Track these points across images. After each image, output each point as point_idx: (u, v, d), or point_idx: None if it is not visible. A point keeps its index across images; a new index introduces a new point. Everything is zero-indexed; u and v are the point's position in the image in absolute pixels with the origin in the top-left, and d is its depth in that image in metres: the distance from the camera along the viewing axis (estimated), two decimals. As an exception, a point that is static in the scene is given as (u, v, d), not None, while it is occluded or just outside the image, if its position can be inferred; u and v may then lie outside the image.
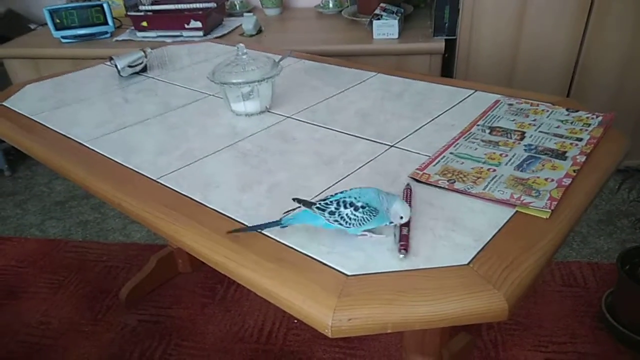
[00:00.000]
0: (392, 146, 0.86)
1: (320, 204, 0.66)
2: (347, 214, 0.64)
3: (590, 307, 1.38)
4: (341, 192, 0.67)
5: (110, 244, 1.80)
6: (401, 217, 0.64)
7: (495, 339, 1.31)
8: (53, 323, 1.46)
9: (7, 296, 1.58)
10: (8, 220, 1.99)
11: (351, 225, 0.64)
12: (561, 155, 0.78)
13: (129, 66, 1.20)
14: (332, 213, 0.65)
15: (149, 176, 0.83)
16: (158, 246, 1.73)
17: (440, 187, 0.74)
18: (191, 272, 1.61)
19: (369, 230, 0.66)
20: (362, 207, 0.64)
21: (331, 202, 0.65)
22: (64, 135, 0.99)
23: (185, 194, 0.78)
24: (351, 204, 0.64)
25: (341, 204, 0.65)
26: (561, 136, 0.84)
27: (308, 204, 0.67)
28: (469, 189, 0.72)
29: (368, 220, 0.64)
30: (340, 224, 0.65)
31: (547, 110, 0.92)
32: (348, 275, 0.60)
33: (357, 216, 0.64)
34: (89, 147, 0.93)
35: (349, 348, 1.32)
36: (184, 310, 1.48)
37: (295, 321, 1.41)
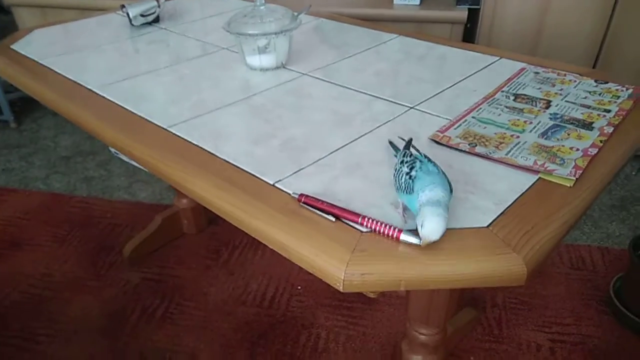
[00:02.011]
0: (411, 108, 0.83)
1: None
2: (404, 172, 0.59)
3: (598, 291, 1.36)
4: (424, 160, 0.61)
5: (115, 202, 1.79)
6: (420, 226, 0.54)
7: (499, 317, 1.30)
8: (55, 276, 1.46)
9: (10, 247, 1.59)
10: (13, 172, 1.98)
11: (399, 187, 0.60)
12: (588, 126, 0.75)
13: (141, 15, 1.16)
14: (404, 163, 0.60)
15: (159, 124, 0.80)
16: (163, 206, 1.72)
17: (460, 151, 0.71)
18: (196, 234, 1.61)
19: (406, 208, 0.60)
20: (414, 176, 0.58)
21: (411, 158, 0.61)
22: (73, 81, 0.96)
23: (196, 143, 0.75)
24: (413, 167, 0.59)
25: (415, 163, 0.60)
26: (588, 107, 0.80)
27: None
28: (490, 153, 0.69)
29: (405, 191, 0.59)
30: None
31: (575, 81, 0.89)
32: (363, 232, 0.58)
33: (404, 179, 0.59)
34: (98, 94, 0.91)
35: (351, 317, 1.31)
36: (187, 270, 1.47)
37: (299, 287, 1.40)
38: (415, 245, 0.56)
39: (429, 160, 0.62)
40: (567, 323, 1.28)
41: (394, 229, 0.57)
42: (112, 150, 2.06)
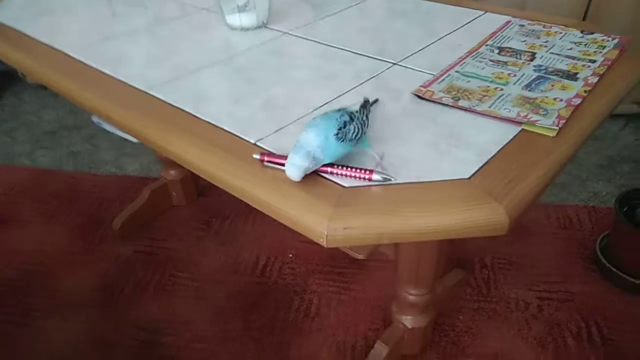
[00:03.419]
0: (395, 64, 0.81)
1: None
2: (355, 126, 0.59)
3: (585, 249, 1.38)
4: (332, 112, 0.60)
5: (102, 176, 1.77)
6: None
7: (487, 277, 1.32)
8: (47, 251, 1.46)
9: (-1, 224, 1.58)
10: (-4, 149, 1.96)
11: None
12: (572, 76, 0.74)
13: (118, -22, 1.13)
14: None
15: (138, 87, 0.79)
16: (151, 179, 1.70)
17: (444, 105, 0.70)
18: (185, 205, 1.60)
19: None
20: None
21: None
22: (49, 45, 0.93)
23: (177, 105, 0.74)
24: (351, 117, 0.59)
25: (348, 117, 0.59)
26: (573, 58, 0.79)
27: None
28: (474, 106, 0.69)
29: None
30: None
31: (560, 32, 0.87)
32: (345, 187, 0.58)
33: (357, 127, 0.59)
34: (74, 57, 0.88)
35: (342, 282, 1.33)
36: (178, 242, 1.47)
37: (291, 255, 1.41)
38: (386, 181, 0.57)
39: (343, 115, 0.59)
40: (555, 281, 1.30)
41: (365, 170, 0.58)
42: (95, 119, 2.02)
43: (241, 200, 0.62)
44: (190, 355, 1.17)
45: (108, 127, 1.97)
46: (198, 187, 1.62)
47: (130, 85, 0.79)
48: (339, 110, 0.61)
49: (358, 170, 0.58)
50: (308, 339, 1.19)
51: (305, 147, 0.56)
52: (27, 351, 1.20)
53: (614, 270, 1.26)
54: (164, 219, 1.56)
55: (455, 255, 1.37)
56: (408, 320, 1.08)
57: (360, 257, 0.95)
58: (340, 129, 0.57)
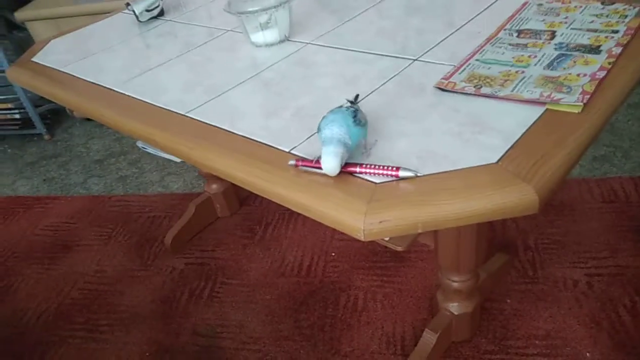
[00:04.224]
0: (415, 60, 0.84)
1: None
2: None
3: (633, 221, 1.35)
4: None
5: (150, 196, 1.88)
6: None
7: (532, 259, 1.31)
8: (107, 271, 1.57)
9: (63, 250, 1.70)
10: (54, 181, 2.10)
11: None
12: (595, 50, 0.75)
13: (147, 10, 1.21)
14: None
15: (177, 111, 0.85)
16: (196, 194, 1.79)
17: (466, 94, 0.72)
18: (230, 216, 1.67)
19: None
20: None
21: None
22: (93, 83, 1.02)
23: (214, 124, 0.79)
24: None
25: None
26: (595, 30, 0.79)
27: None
28: (496, 92, 0.70)
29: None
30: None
31: (580, 7, 0.87)
32: (377, 183, 0.61)
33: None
34: (117, 91, 0.96)
35: (386, 275, 1.35)
36: (226, 251, 1.55)
37: (333, 254, 1.45)
38: (412, 177, 0.61)
39: (349, 107, 0.65)
40: (603, 256, 1.28)
41: (392, 167, 0.61)
42: (140, 144, 2.14)
43: (281, 206, 0.66)
44: (246, 356, 1.23)
45: (151, 150, 2.08)
46: (240, 197, 1.69)
47: (169, 110, 0.86)
48: (339, 107, 0.66)
49: (384, 168, 0.61)
50: (358, 333, 1.23)
51: (333, 138, 0.61)
52: (100, 364, 1.30)
53: (665, 240, 1.22)
54: (211, 230, 1.64)
55: (497, 240, 1.37)
56: (454, 307, 1.09)
57: (399, 249, 0.98)
58: (355, 116, 0.64)
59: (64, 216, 1.87)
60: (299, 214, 0.65)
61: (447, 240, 1.00)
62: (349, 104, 0.67)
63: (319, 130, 0.64)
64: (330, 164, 0.61)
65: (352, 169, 0.63)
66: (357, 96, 0.72)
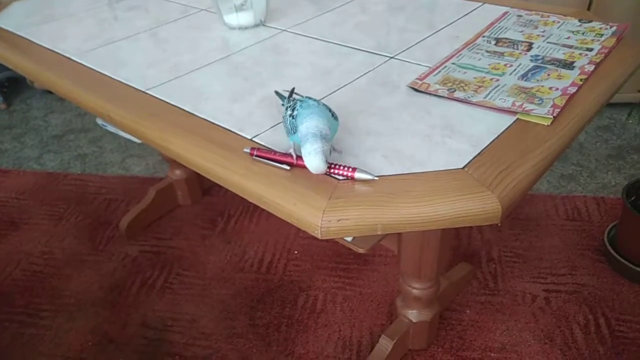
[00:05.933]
0: (391, 57, 0.82)
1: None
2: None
3: (593, 240, 1.37)
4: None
5: (109, 177, 1.80)
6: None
7: (494, 271, 1.31)
8: (55, 253, 1.49)
9: (9, 227, 1.60)
10: (6, 153, 1.99)
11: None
12: (569, 65, 0.74)
13: (118, -18, 1.14)
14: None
15: (137, 87, 0.80)
16: (157, 179, 1.72)
17: (439, 96, 0.70)
18: (191, 205, 1.62)
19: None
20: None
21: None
22: (51, 50, 0.95)
23: (175, 104, 0.75)
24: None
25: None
26: (570, 46, 0.79)
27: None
28: (469, 97, 0.69)
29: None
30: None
31: (558, 22, 0.87)
32: (339, 180, 0.58)
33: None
34: (76, 61, 0.90)
35: (348, 278, 1.33)
36: (184, 241, 1.49)
37: (296, 252, 1.42)
38: (370, 180, 0.57)
39: (309, 98, 0.63)
40: (562, 273, 1.29)
41: (349, 168, 0.58)
42: (99, 121, 2.05)
43: (245, 199, 0.63)
44: (197, 352, 1.18)
45: (112, 129, 2.00)
46: (203, 186, 1.64)
47: (130, 86, 0.81)
48: (301, 100, 0.62)
49: (341, 168, 0.58)
50: (314, 335, 1.20)
51: (310, 132, 0.57)
52: (36, 351, 1.22)
53: (622, 262, 1.24)
54: (170, 218, 1.58)
55: (462, 249, 1.37)
56: (413, 314, 1.08)
57: (361, 250, 0.95)
58: (330, 110, 0.61)
59: (13, 191, 1.77)
60: (263, 209, 0.61)
61: (410, 245, 0.98)
62: (285, 98, 0.64)
63: (292, 124, 0.60)
64: (314, 163, 0.56)
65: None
66: (293, 90, 0.69)
